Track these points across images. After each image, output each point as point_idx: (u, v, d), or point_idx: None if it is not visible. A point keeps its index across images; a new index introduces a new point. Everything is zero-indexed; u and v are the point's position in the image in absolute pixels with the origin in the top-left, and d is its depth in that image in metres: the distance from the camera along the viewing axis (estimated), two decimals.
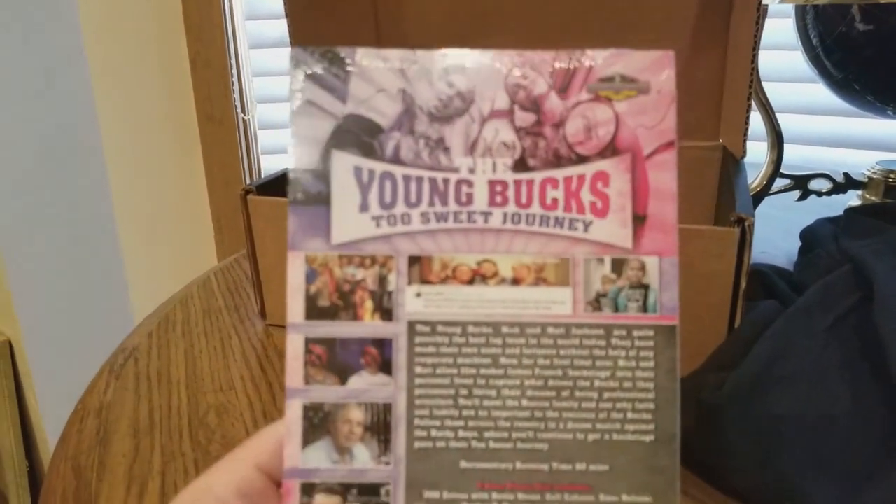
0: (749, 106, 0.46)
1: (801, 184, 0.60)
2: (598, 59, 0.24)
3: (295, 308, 0.24)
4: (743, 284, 0.36)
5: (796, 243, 0.55)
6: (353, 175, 0.25)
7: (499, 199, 0.24)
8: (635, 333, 0.22)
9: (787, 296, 0.41)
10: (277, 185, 0.46)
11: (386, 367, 0.24)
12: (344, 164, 0.25)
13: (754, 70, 0.46)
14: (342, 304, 0.25)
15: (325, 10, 0.53)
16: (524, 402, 0.23)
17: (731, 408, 0.32)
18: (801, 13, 0.55)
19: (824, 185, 0.60)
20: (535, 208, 0.24)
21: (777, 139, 0.60)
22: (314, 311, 0.25)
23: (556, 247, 0.24)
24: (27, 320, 0.98)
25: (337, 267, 0.25)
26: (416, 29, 0.58)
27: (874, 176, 0.58)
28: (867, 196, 0.58)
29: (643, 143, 0.23)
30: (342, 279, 0.25)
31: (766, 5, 0.49)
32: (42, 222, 1.00)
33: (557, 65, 0.24)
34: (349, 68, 0.25)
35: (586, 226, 0.23)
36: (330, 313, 0.25)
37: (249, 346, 0.45)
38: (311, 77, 0.26)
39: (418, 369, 0.24)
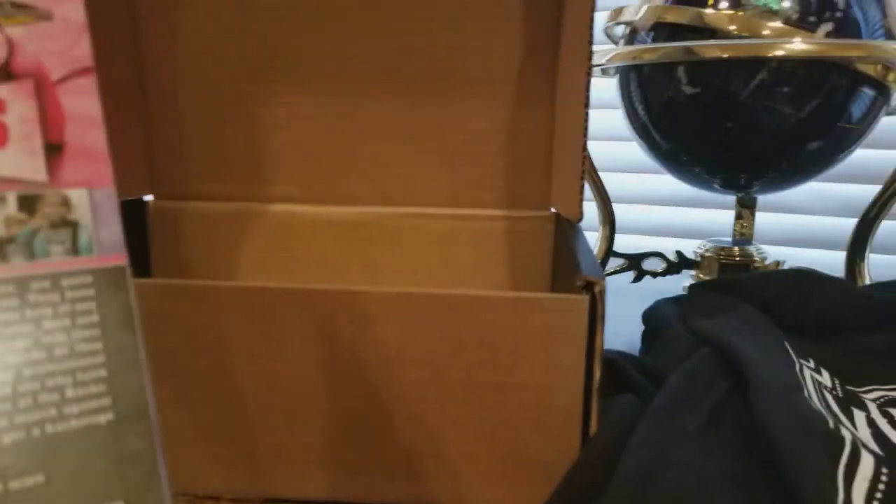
0: (584, 166, 0.40)
1: (634, 264, 0.55)
2: None
3: None
4: (597, 374, 0.26)
5: (636, 328, 0.49)
6: None
7: None
8: (64, 283, 0.18)
9: (643, 386, 0.33)
10: None
11: None
12: None
13: (586, 129, 0.40)
14: None
15: None
16: None
17: None
18: (625, 81, 0.51)
19: (658, 264, 0.56)
20: None
21: (608, 216, 0.55)
22: None
23: None
24: None
25: None
26: (185, 70, 0.46)
27: (706, 254, 0.54)
28: (701, 276, 0.55)
29: (50, 68, 0.21)
30: None
31: (592, 62, 0.44)
32: None
33: None
34: None
35: None
36: None
37: None
38: None
39: None
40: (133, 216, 0.47)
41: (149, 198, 0.47)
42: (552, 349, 0.26)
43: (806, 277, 0.42)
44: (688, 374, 0.31)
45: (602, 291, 0.26)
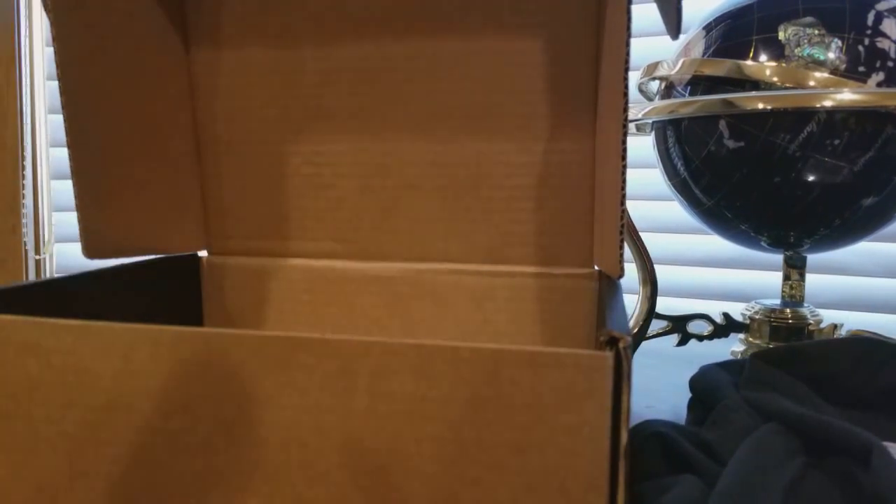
0: (622, 220, 0.38)
1: (679, 326, 0.53)
2: None
3: None
4: (624, 437, 0.24)
5: (681, 395, 0.46)
6: None
7: None
8: None
9: (703, 464, 0.30)
10: None
11: None
12: None
13: (623, 181, 0.39)
14: None
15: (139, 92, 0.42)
16: None
17: None
18: (662, 137, 0.50)
19: (704, 327, 0.53)
20: None
21: (649, 274, 0.53)
22: None
23: None
24: None
25: None
26: (237, 133, 0.48)
27: (756, 317, 0.51)
28: (750, 339, 0.51)
29: None
30: None
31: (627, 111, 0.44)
32: None
33: None
34: None
35: None
36: None
37: None
38: None
39: None
40: (188, 271, 0.48)
41: (203, 253, 0.49)
42: (574, 408, 0.24)
43: (878, 347, 0.39)
44: (757, 451, 0.29)
45: (627, 348, 0.24)
